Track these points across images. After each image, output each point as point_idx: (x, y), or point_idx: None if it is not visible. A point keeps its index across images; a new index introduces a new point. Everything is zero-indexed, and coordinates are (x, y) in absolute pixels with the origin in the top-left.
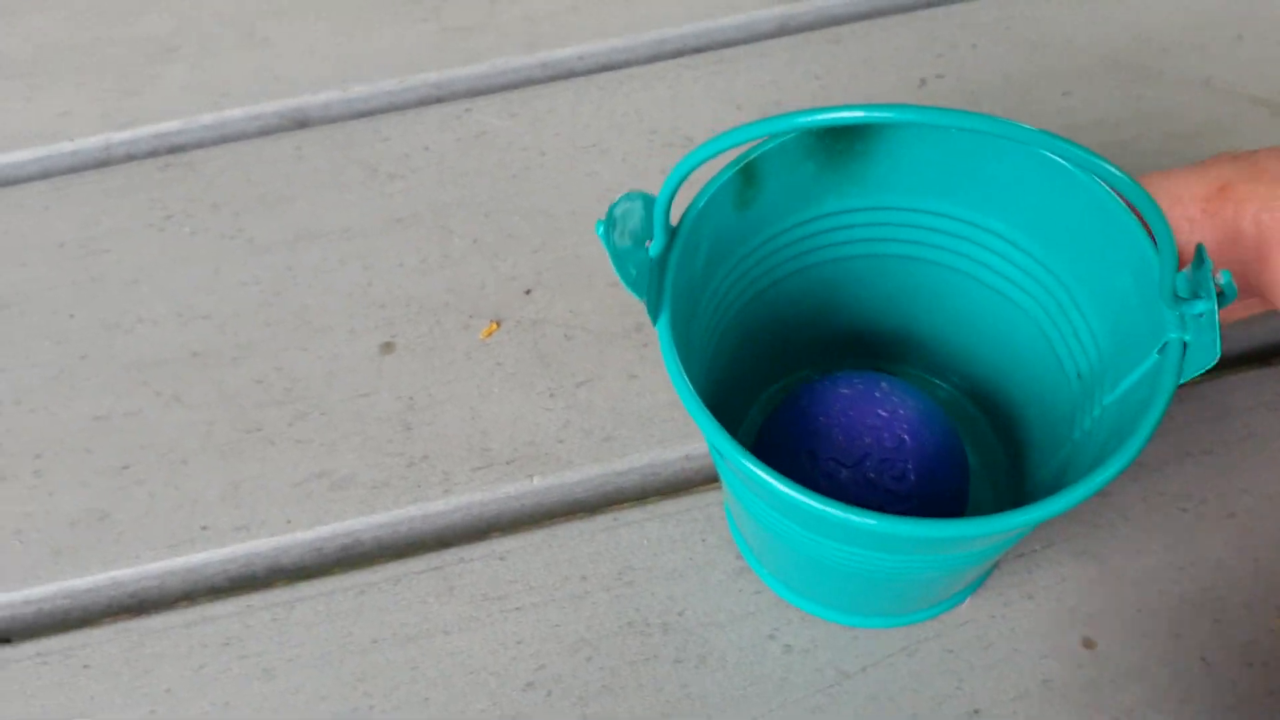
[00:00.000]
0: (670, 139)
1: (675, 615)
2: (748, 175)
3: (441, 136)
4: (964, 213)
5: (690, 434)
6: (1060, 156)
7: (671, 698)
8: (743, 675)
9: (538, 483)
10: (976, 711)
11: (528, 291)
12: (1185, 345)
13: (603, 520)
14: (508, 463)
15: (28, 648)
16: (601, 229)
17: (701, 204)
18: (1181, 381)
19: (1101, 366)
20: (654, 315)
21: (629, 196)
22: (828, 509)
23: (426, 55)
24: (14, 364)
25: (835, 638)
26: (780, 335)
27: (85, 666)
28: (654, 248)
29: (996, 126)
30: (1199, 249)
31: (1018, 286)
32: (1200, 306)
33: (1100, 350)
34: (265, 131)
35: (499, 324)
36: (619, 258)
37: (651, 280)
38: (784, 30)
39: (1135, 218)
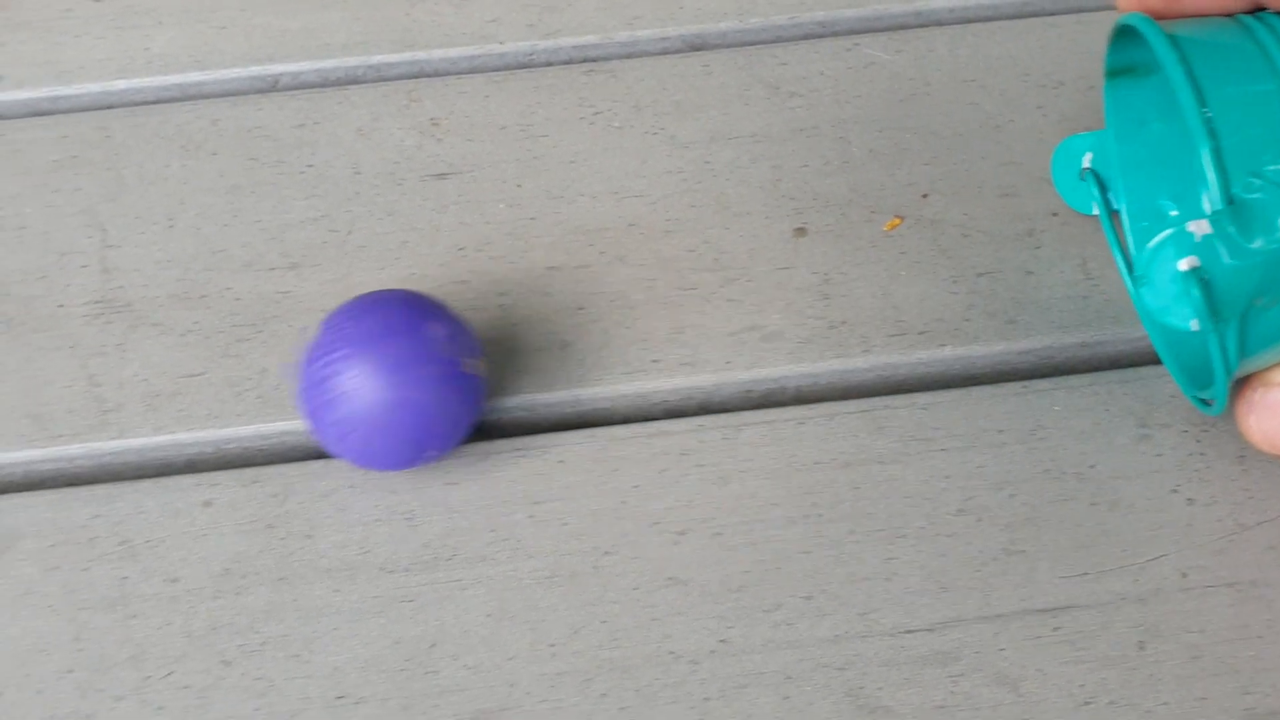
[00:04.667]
0: (1042, 81)
1: (1087, 467)
2: None
3: (834, 64)
4: None
5: (1088, 321)
6: None
7: (1090, 533)
8: (1151, 520)
9: (948, 352)
10: None
11: (924, 195)
12: None
13: (1012, 387)
14: (920, 333)
15: (506, 444)
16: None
17: None
18: None
19: None
20: None
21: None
22: None
23: None
24: (473, 219)
25: (1231, 495)
26: None
27: (560, 462)
28: None
29: None
30: None
31: None
32: None
33: None
34: (668, 51)
35: (901, 219)
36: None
37: None
38: None
39: None
